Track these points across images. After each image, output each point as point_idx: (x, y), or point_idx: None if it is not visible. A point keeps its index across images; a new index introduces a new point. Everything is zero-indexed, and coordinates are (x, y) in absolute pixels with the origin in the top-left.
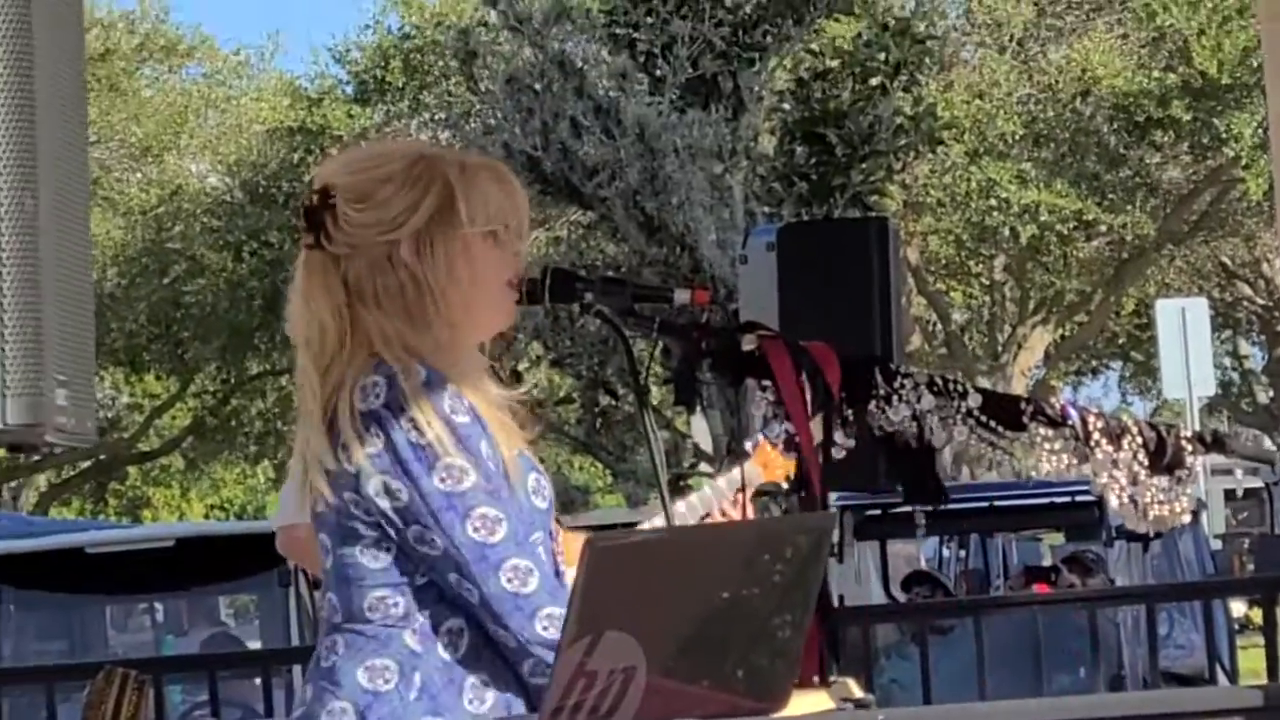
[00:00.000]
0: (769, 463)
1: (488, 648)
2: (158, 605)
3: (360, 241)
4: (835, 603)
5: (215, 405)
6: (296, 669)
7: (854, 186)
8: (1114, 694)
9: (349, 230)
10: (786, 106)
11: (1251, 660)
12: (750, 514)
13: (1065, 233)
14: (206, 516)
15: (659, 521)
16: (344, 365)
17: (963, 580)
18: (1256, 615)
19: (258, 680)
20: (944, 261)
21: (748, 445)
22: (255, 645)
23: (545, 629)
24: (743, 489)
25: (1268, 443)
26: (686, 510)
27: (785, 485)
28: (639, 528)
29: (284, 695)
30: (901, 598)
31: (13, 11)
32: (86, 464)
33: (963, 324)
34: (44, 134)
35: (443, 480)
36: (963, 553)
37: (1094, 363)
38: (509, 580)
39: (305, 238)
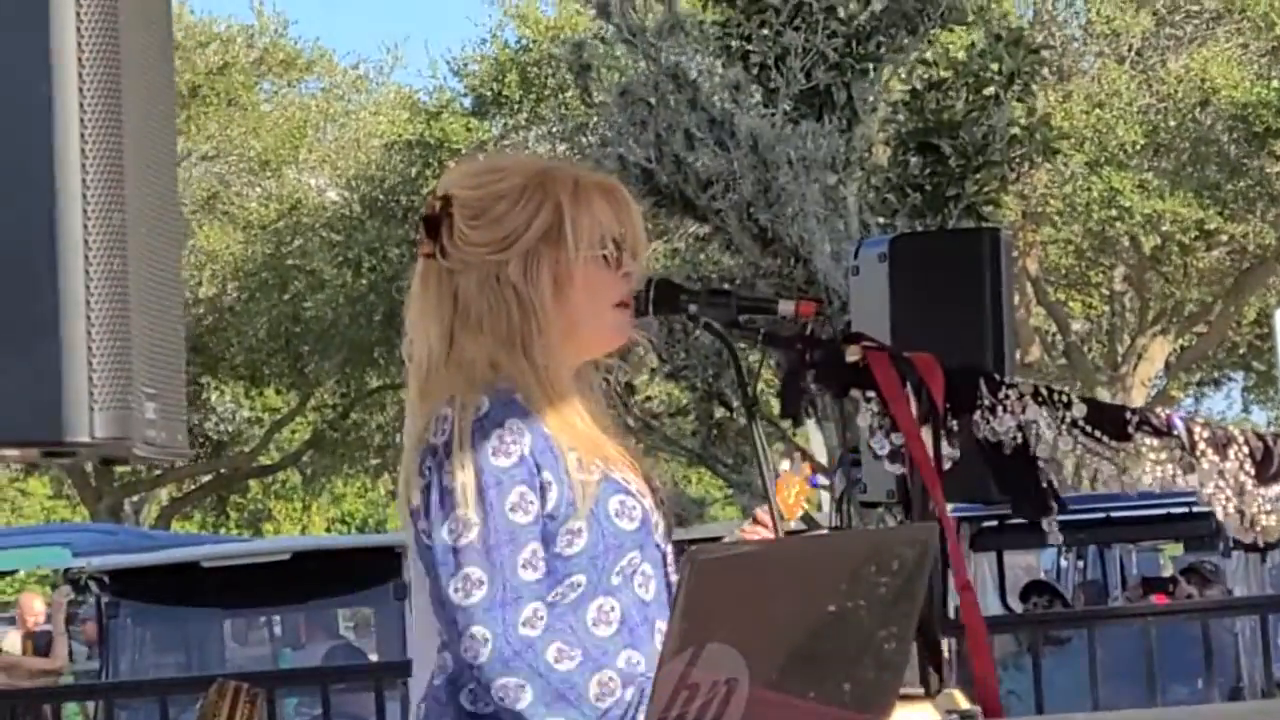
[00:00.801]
0: (789, 503)
1: None
2: (275, 618)
3: (472, 258)
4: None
5: (335, 419)
6: (411, 681)
7: (968, 197)
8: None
9: (462, 246)
10: (900, 117)
11: None
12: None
13: (1186, 242)
14: (327, 530)
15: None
16: (437, 392)
17: (1080, 592)
18: None
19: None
20: (1064, 271)
21: (783, 465)
22: (374, 658)
23: (500, 697)
24: (774, 528)
25: None
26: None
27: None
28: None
29: (398, 707)
30: (1019, 608)
31: (99, 11)
32: (207, 478)
33: (1083, 335)
34: (131, 141)
35: (449, 532)
36: (1081, 563)
37: (1215, 373)
38: (465, 649)
39: (424, 246)
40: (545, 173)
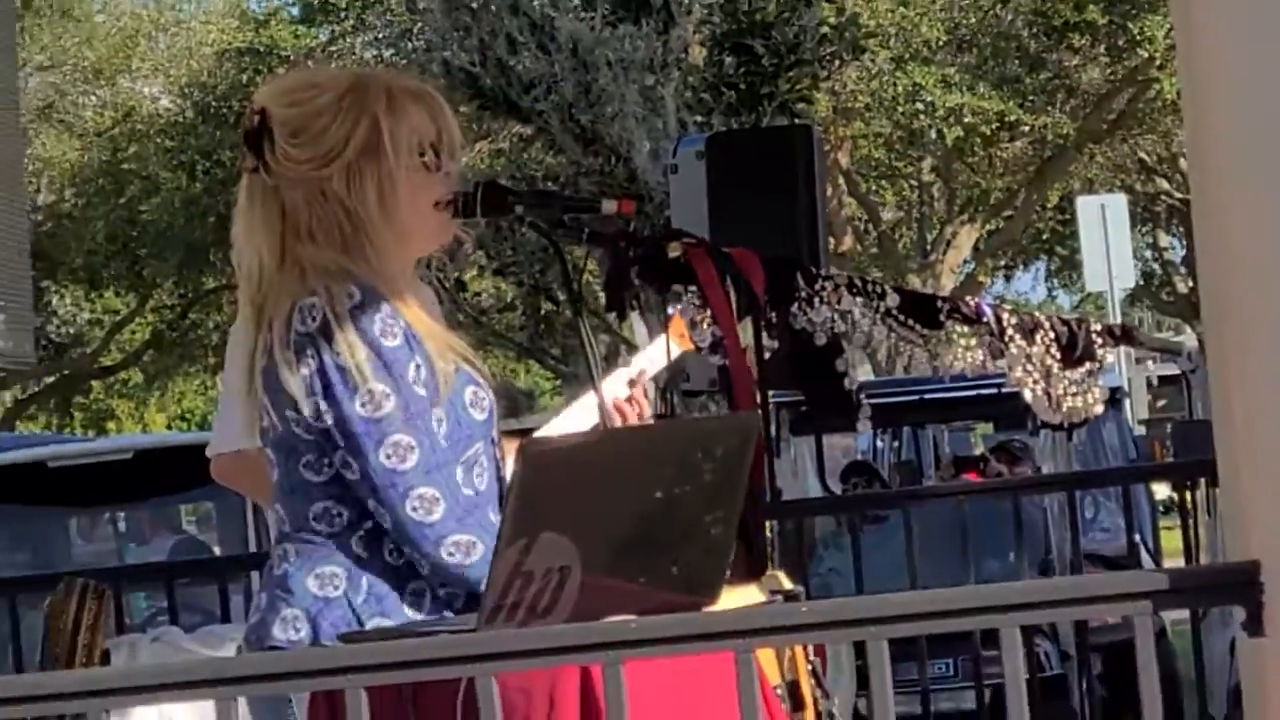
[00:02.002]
0: (683, 333)
1: None
2: (120, 516)
3: (296, 175)
4: (770, 497)
5: (173, 320)
6: (254, 575)
7: (781, 95)
8: (1020, 583)
9: (285, 163)
10: (715, 19)
11: (1175, 540)
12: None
13: (989, 134)
14: (169, 428)
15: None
16: (278, 293)
17: (896, 472)
18: None
19: None
20: (874, 164)
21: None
22: (218, 551)
23: (449, 555)
24: (668, 355)
25: (1188, 330)
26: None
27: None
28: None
29: (242, 600)
30: (838, 490)
31: None
32: (50, 380)
33: (893, 224)
34: None
35: (364, 405)
36: (896, 444)
37: (1020, 258)
38: (414, 509)
39: (246, 161)
40: (359, 86)
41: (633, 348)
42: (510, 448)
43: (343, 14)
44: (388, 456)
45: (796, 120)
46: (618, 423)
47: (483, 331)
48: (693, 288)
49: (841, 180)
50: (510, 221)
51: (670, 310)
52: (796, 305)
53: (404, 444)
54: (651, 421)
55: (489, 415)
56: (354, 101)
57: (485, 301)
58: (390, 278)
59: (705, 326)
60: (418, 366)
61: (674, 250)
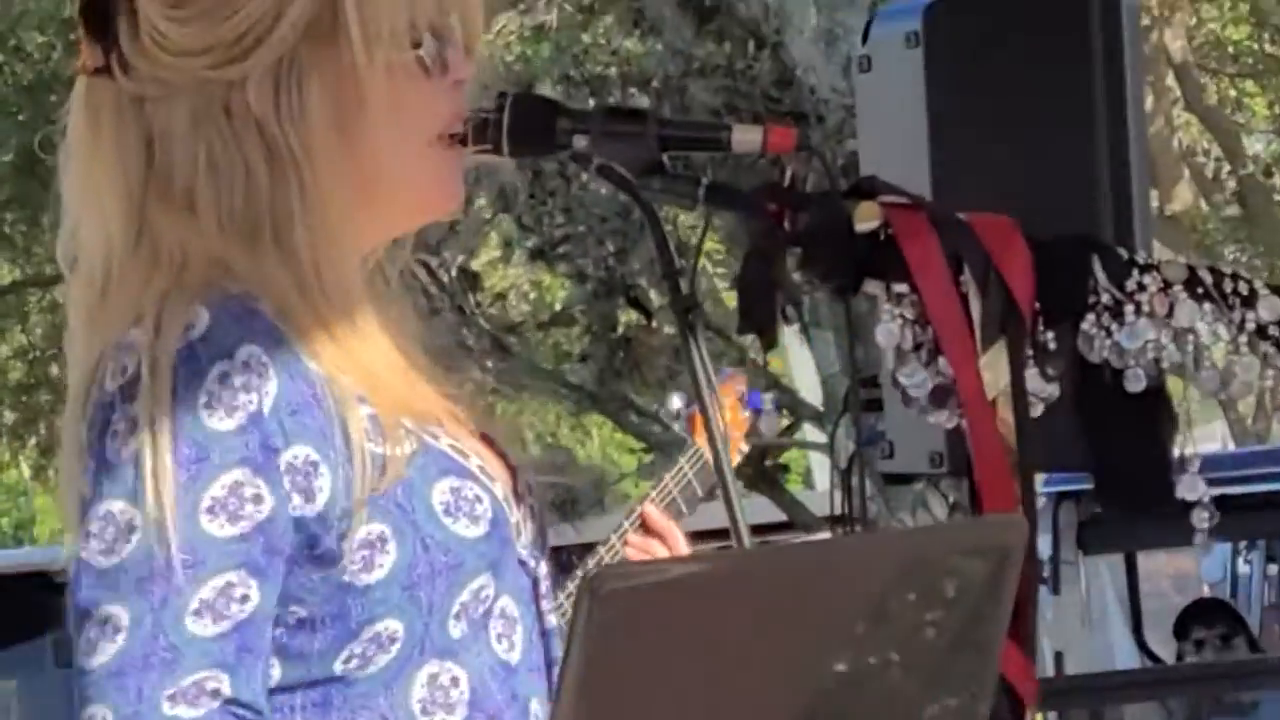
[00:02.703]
0: (739, 422)
1: None
2: None
3: (176, 77)
4: (1050, 669)
5: None
6: None
7: None
8: None
9: (157, 54)
10: None
11: None
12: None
13: None
14: None
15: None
16: (118, 308)
17: (1275, 617)
18: None
19: None
20: (1232, 53)
21: (675, 403)
22: None
23: None
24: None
25: None
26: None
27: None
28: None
29: None
30: (1168, 652)
31: None
32: None
33: (1269, 163)
34: None
35: (97, 539)
36: (1274, 568)
37: None
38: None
39: (86, 54)
40: None
41: (785, 391)
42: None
43: None
44: (85, 640)
45: None
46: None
47: (511, 364)
48: (900, 286)
49: (1173, 83)
50: (564, 164)
51: (722, 375)
52: (1092, 319)
53: (113, 621)
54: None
55: (493, 527)
56: None
57: (515, 308)
58: (331, 277)
59: (920, 358)
60: (287, 467)
61: (867, 219)
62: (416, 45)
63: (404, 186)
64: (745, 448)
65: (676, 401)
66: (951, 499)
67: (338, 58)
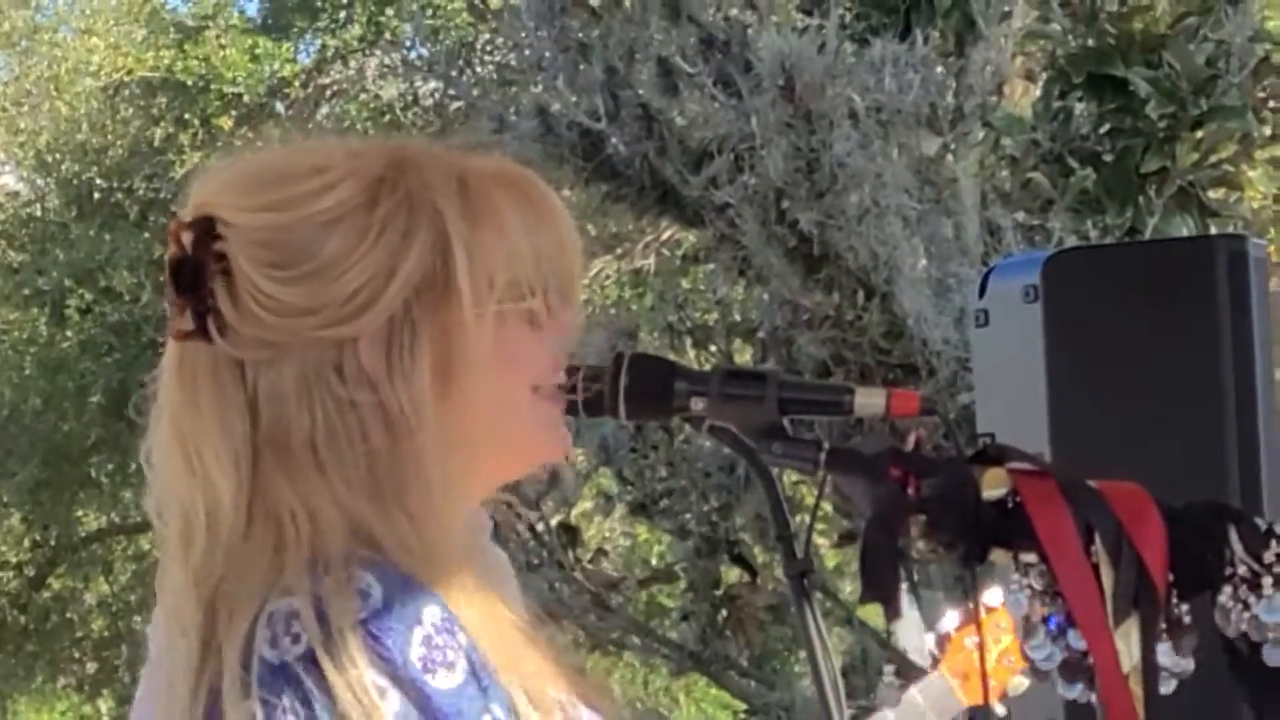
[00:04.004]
0: (970, 670)
1: None
2: None
3: (283, 338)
4: None
5: (16, 594)
6: None
7: (1180, 173)
8: None
9: (262, 316)
10: (1054, 28)
11: None
12: None
13: None
14: None
15: None
16: (242, 572)
17: None
18: None
19: None
20: None
21: (947, 625)
22: None
23: None
24: None
25: None
26: None
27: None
28: None
29: None
30: None
31: None
32: None
33: None
34: None
35: None
36: None
37: None
38: None
39: (177, 319)
40: (401, 164)
41: (906, 666)
42: None
43: (340, 13)
44: None
45: (1214, 219)
46: None
47: (611, 622)
48: (1028, 556)
49: None
50: (677, 424)
51: (948, 622)
52: (1230, 592)
53: None
54: None
55: None
56: (397, 197)
57: (614, 567)
58: (440, 539)
59: (1050, 630)
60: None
61: (994, 485)
62: (520, 296)
63: (511, 439)
64: (1023, 680)
65: (948, 624)
66: None
67: (447, 312)
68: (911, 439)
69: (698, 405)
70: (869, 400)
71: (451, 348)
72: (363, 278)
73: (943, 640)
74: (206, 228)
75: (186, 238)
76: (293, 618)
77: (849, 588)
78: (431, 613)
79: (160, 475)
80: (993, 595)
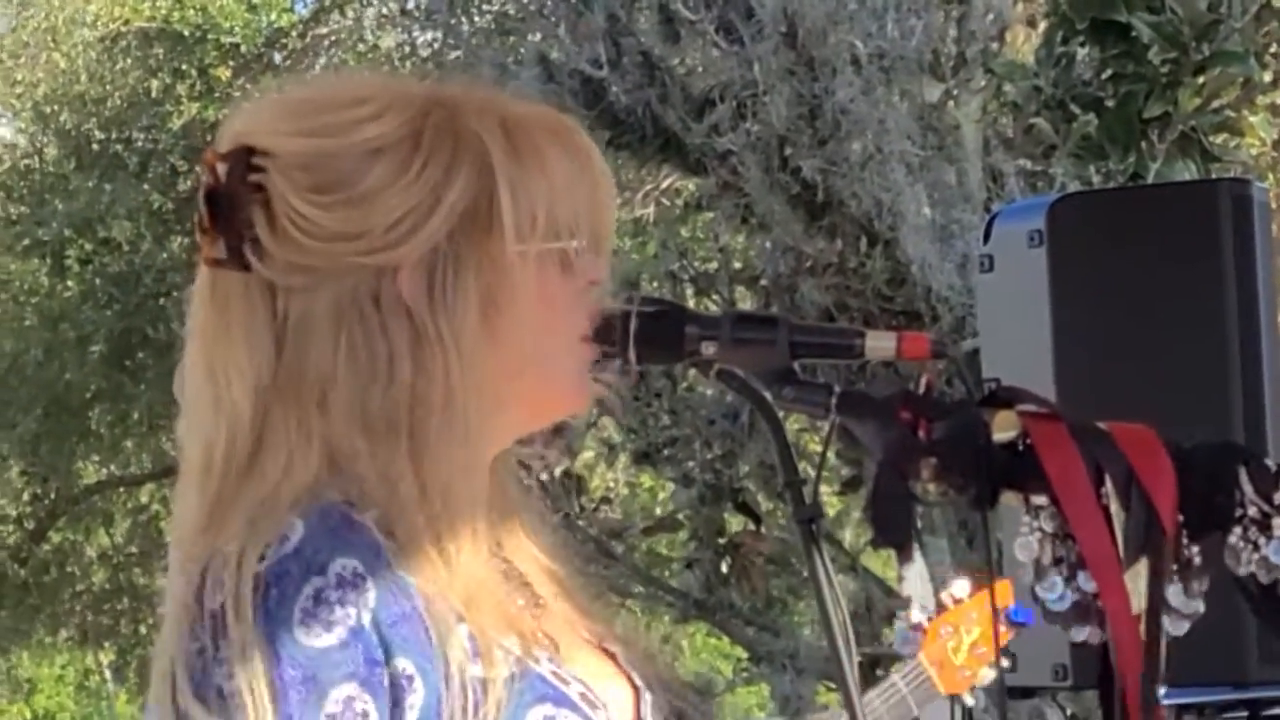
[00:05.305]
0: (945, 660)
1: None
2: None
3: (322, 263)
4: None
5: (17, 548)
6: None
7: (1183, 118)
8: None
9: (302, 241)
10: None
11: None
12: None
13: None
14: None
15: None
16: (233, 511)
17: None
18: None
19: None
20: None
21: (916, 616)
22: None
23: None
24: None
25: None
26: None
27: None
28: None
29: None
30: None
31: None
32: None
33: None
34: None
35: None
36: None
37: None
38: None
39: (209, 247)
40: (443, 100)
41: (896, 598)
42: None
43: None
44: None
45: (1215, 166)
46: None
47: (615, 570)
48: (1039, 499)
49: None
50: (680, 371)
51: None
52: (1239, 533)
53: None
54: None
55: None
56: (444, 132)
57: (617, 514)
58: (458, 487)
59: (1061, 572)
60: (389, 682)
61: (1005, 427)
62: (560, 237)
63: (545, 383)
64: (990, 671)
65: (917, 614)
66: (1069, 711)
67: (489, 247)
68: (923, 382)
69: (708, 349)
70: (879, 343)
71: (496, 283)
72: (406, 206)
73: (918, 629)
74: (243, 157)
75: (221, 168)
76: (222, 563)
77: (852, 535)
78: (343, 564)
79: (188, 400)
80: (959, 587)
